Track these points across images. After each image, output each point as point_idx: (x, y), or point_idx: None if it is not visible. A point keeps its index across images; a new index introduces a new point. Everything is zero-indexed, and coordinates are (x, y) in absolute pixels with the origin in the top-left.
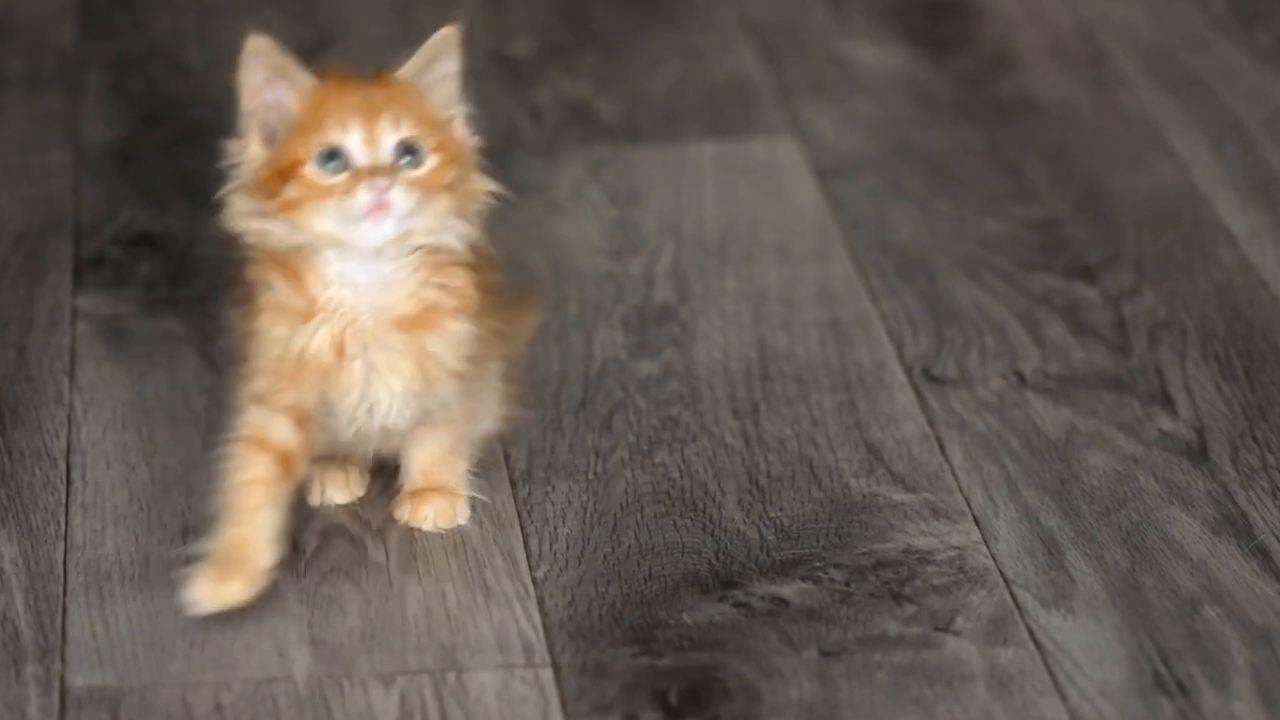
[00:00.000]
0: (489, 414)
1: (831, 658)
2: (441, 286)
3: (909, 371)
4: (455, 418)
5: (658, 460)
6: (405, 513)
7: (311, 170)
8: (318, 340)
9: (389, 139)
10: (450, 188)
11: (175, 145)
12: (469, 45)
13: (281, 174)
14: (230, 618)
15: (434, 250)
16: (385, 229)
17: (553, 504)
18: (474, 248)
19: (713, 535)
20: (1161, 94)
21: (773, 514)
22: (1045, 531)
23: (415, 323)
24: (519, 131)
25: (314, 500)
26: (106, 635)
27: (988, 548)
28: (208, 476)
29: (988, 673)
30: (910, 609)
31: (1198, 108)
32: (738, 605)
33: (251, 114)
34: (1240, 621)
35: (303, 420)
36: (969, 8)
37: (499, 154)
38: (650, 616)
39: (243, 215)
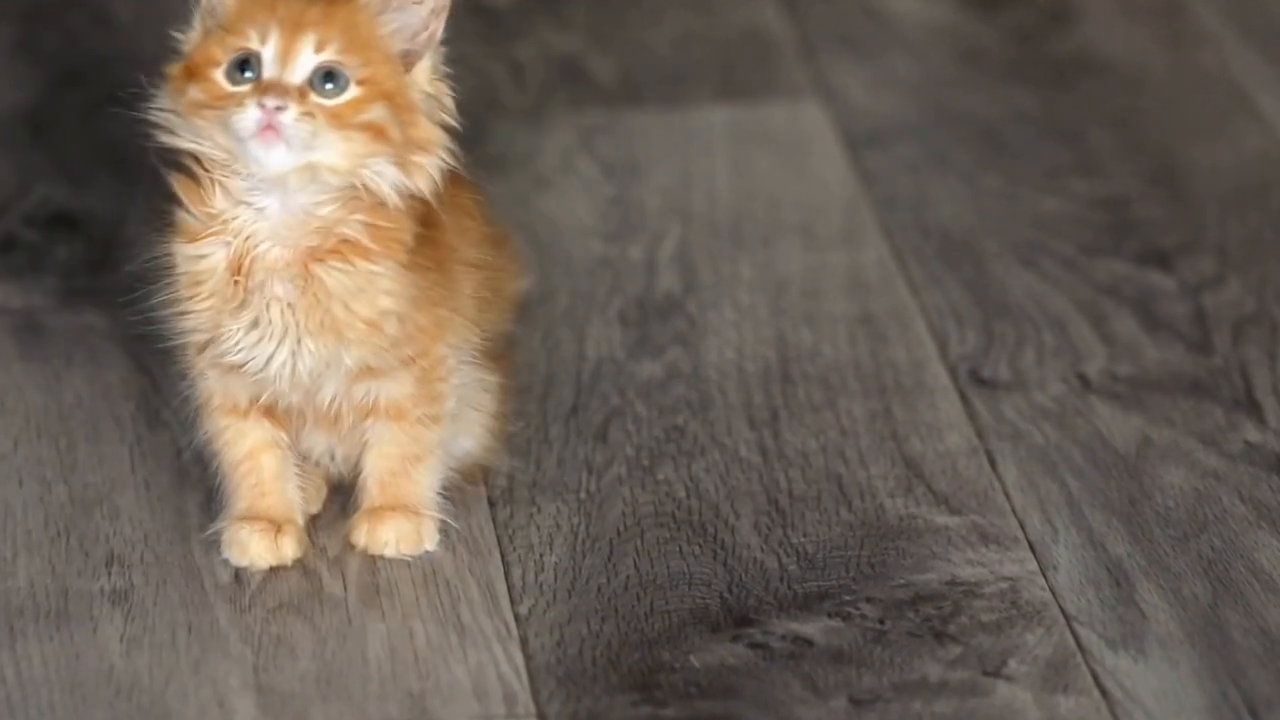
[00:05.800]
0: (471, 425)
1: (863, 707)
2: (366, 225)
3: (954, 374)
4: (415, 415)
5: (661, 477)
6: (362, 536)
7: (220, 75)
8: (212, 259)
9: (307, 59)
10: (377, 129)
11: (98, 110)
12: None
13: (191, 73)
14: (162, 659)
15: (361, 193)
16: (276, 155)
17: (538, 528)
18: (431, 208)
19: (725, 564)
20: (1248, 50)
21: (795, 540)
22: (1113, 560)
23: (324, 256)
24: (499, 92)
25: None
26: (19, 681)
27: (1045, 579)
28: (135, 496)
29: None
30: (955, 650)
31: None
32: (754, 646)
33: (203, 7)
34: None
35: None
36: None
37: (475, 118)
38: (652, 659)
39: (161, 112)
